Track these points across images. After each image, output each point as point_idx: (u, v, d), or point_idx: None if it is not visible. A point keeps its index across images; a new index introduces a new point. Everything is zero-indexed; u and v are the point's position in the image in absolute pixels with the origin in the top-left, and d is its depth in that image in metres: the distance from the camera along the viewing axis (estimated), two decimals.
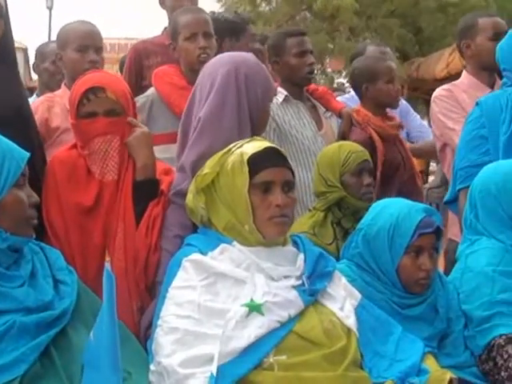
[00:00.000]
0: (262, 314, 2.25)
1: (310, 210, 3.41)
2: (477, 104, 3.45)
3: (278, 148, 2.47)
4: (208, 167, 2.46)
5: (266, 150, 2.41)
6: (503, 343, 2.72)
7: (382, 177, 3.86)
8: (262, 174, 2.38)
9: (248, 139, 2.51)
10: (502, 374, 2.68)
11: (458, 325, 2.83)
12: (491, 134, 3.32)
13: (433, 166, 9.10)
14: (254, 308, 2.25)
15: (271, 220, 2.38)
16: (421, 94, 12.41)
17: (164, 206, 2.74)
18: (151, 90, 3.68)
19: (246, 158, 2.38)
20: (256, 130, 2.80)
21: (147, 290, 2.68)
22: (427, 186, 6.03)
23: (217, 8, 15.29)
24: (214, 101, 2.74)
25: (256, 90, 2.78)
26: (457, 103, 4.05)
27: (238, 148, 2.44)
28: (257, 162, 2.38)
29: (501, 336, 2.74)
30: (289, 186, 2.42)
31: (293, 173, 2.45)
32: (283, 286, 2.34)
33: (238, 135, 2.65)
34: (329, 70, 15.77)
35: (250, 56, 2.91)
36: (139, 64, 4.24)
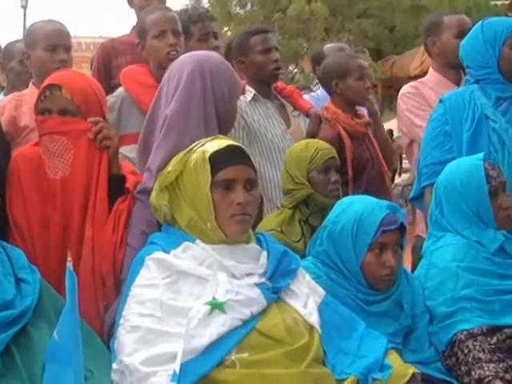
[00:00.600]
0: (225, 312, 2.25)
1: (278, 208, 3.42)
2: (440, 101, 3.47)
3: (241, 146, 2.48)
4: (171, 165, 2.46)
5: (228, 147, 2.42)
6: (464, 338, 2.75)
7: (352, 174, 3.88)
8: (224, 171, 2.38)
9: (211, 137, 2.51)
10: (462, 368, 2.72)
11: (422, 321, 2.86)
12: (455, 130, 3.34)
13: (406, 163, 9.16)
14: (216, 306, 2.25)
15: (233, 218, 2.38)
16: (395, 92, 12.42)
17: (130, 204, 2.74)
18: (120, 90, 3.67)
19: (207, 155, 2.39)
20: (224, 128, 2.81)
21: (114, 287, 2.67)
22: (401, 182, 6.07)
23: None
24: (179, 99, 2.74)
25: (222, 87, 2.78)
26: (423, 100, 4.07)
27: (201, 146, 2.45)
28: (218, 160, 2.38)
29: (462, 332, 2.77)
30: (251, 183, 2.43)
31: (255, 171, 2.46)
32: (246, 283, 2.35)
33: (205, 133, 2.65)
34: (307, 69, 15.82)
35: (214, 54, 2.92)
36: (108, 63, 4.21)
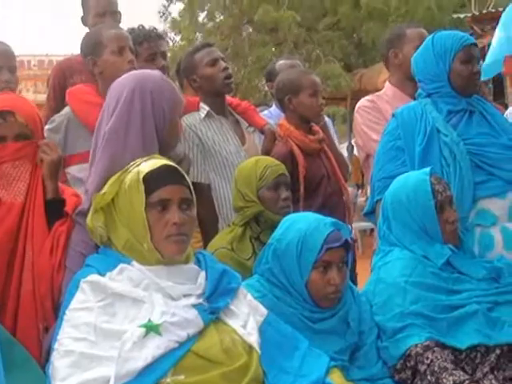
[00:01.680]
0: (160, 335, 2.23)
1: (229, 226, 3.40)
2: (393, 115, 3.48)
3: (175, 165, 2.45)
4: (107, 187, 2.44)
5: (163, 167, 2.40)
6: (421, 351, 2.74)
7: (305, 191, 3.86)
8: (159, 192, 2.36)
9: (147, 157, 2.49)
10: (429, 377, 2.70)
11: (370, 337, 2.84)
12: (407, 145, 3.35)
13: None
14: (151, 328, 2.22)
15: (169, 238, 2.36)
16: None
17: (69, 226, 2.72)
18: (66, 110, 3.63)
19: (142, 176, 2.37)
20: (166, 146, 2.79)
21: (53, 310, 2.63)
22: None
23: (161, 26, 15.41)
24: (118, 118, 2.72)
25: (162, 105, 2.76)
26: (380, 114, 4.08)
27: (136, 166, 2.43)
28: (153, 180, 2.37)
29: (417, 345, 2.76)
30: (187, 203, 2.40)
31: (191, 190, 2.44)
32: (182, 305, 2.32)
33: (143, 152, 2.63)
34: None
35: (155, 73, 2.90)
36: (63, 82, 4.18)
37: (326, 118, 4.79)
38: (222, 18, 15.38)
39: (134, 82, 2.79)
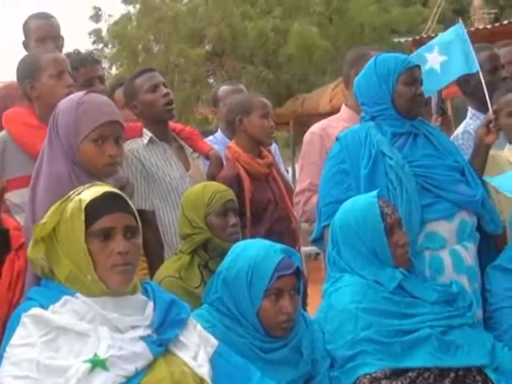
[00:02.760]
0: (107, 370, 2.13)
1: (176, 253, 3.31)
2: (337, 139, 3.43)
3: (119, 192, 2.36)
4: (47, 216, 2.33)
5: (105, 194, 2.30)
6: (367, 383, 2.70)
7: (252, 215, 3.81)
8: (101, 220, 2.26)
9: (89, 184, 2.40)
10: None
11: (323, 366, 2.80)
12: (352, 168, 3.31)
13: None
14: (97, 364, 2.12)
15: (114, 269, 2.26)
16: (307, 129, 12.57)
17: (26, 261, 2.60)
18: (2, 133, 3.52)
19: (83, 204, 2.27)
20: (96, 173, 2.79)
21: None
22: None
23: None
24: (45, 147, 2.77)
25: (64, 128, 2.79)
26: (326, 148, 3.97)
27: (77, 194, 2.33)
28: (96, 208, 2.27)
29: (365, 376, 2.71)
30: (131, 231, 2.31)
31: (136, 217, 2.35)
32: (130, 337, 2.22)
33: (70, 181, 2.66)
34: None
35: (75, 95, 2.91)
36: (4, 109, 4.06)
37: (275, 145, 4.77)
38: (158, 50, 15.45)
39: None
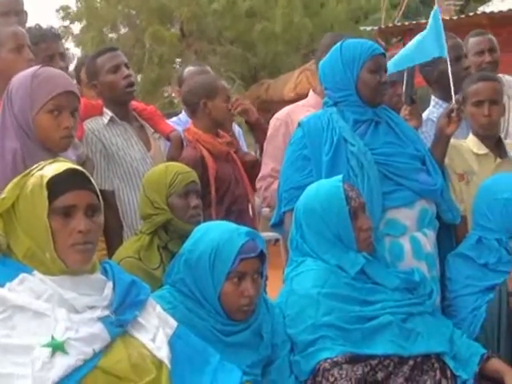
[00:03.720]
0: (66, 353, 2.08)
1: (136, 234, 3.27)
2: (299, 124, 3.41)
3: (81, 169, 2.30)
4: (6, 191, 2.26)
5: (68, 171, 2.24)
6: (329, 367, 2.70)
7: (216, 194, 3.81)
8: (63, 197, 2.20)
9: (51, 160, 2.34)
10: None
11: (283, 350, 2.78)
12: (314, 154, 3.29)
13: None
14: (56, 347, 2.07)
15: (73, 247, 2.20)
16: (271, 116, 12.52)
17: None
18: None
19: (45, 180, 2.19)
20: (50, 146, 2.78)
21: None
22: None
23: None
24: None
25: (18, 102, 2.76)
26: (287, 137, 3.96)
27: (38, 170, 2.26)
28: (57, 185, 2.20)
29: (326, 360, 2.70)
30: (93, 209, 2.25)
31: (98, 196, 2.30)
32: (87, 318, 2.16)
33: (23, 157, 2.64)
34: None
35: (28, 70, 2.89)
36: None
37: (237, 128, 4.75)
38: (125, 31, 15.25)
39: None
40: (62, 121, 2.79)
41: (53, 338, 2.08)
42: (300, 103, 4.28)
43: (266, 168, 4.09)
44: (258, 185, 4.11)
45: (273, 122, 4.20)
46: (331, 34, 4.41)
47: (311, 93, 4.25)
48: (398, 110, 3.73)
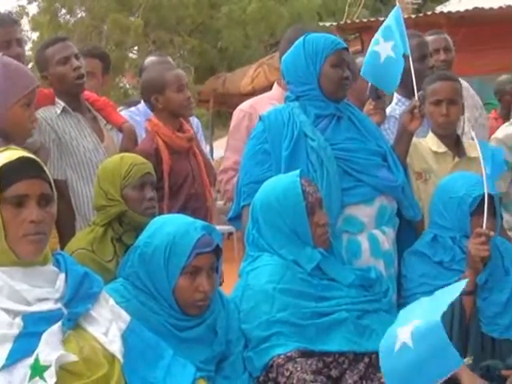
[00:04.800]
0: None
1: (89, 225, 3.21)
2: (260, 118, 3.37)
3: (34, 158, 2.23)
4: None
5: (20, 159, 2.17)
6: (283, 362, 2.68)
7: (170, 189, 3.76)
8: (15, 186, 2.14)
9: (2, 148, 2.27)
10: None
11: (237, 346, 2.76)
12: (274, 149, 3.25)
13: None
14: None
15: (25, 238, 2.14)
16: (228, 109, 12.49)
17: None
18: None
19: None
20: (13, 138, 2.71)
21: None
22: None
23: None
24: None
25: None
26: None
27: None
28: (9, 174, 2.14)
29: (279, 355, 2.68)
30: (46, 199, 2.19)
31: (51, 185, 2.24)
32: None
33: None
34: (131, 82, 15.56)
35: None
36: None
37: (196, 120, 4.70)
38: (82, 14, 15.05)
39: None
40: (31, 113, 2.86)
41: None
42: (265, 95, 4.25)
43: (227, 161, 4.06)
44: (219, 177, 4.09)
45: (236, 113, 4.16)
46: (294, 27, 4.36)
47: (275, 85, 4.23)
48: (361, 105, 3.71)
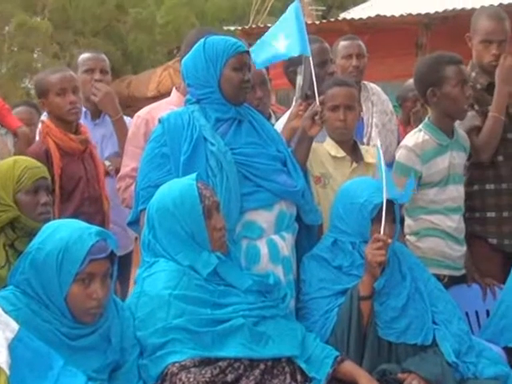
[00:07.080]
0: None
1: None
2: (159, 121, 3.32)
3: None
4: None
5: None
6: (176, 371, 2.65)
7: (61, 192, 3.70)
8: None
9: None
10: None
11: (132, 355, 2.71)
12: (173, 152, 3.20)
13: None
14: None
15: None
16: (132, 113, 12.32)
17: None
18: None
19: None
20: None
21: None
22: None
23: None
24: None
25: None
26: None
27: None
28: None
29: (174, 364, 2.65)
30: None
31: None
32: None
33: None
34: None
35: None
36: None
37: (108, 119, 4.60)
38: None
39: None
40: None
41: None
42: (164, 101, 4.19)
43: (125, 168, 3.98)
44: (117, 185, 4.01)
45: (134, 119, 4.10)
46: (196, 29, 4.33)
47: (174, 90, 4.18)
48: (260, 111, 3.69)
